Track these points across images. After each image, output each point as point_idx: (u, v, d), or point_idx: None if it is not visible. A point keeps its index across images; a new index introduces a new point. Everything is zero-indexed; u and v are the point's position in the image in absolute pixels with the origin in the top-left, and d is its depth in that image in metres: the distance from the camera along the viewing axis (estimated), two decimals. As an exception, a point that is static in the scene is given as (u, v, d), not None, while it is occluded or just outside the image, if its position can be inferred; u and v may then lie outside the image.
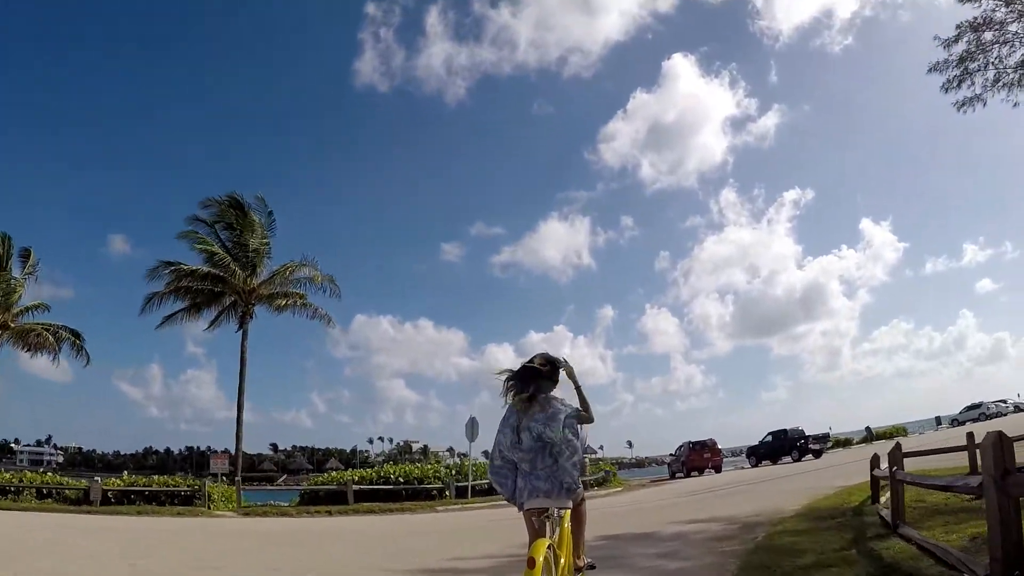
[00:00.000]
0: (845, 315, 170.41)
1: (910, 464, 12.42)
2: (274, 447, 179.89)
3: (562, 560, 5.15)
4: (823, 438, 47.68)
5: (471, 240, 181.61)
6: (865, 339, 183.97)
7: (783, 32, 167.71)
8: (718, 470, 44.95)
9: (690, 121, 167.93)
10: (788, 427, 47.81)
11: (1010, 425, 54.29)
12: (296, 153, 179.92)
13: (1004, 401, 71.49)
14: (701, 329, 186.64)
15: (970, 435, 15.07)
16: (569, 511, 5.61)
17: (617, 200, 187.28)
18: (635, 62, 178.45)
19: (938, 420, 74.15)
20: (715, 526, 12.91)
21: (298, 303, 39.65)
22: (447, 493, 29.73)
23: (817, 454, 45.38)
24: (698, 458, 44.98)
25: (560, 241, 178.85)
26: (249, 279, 38.10)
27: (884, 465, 11.79)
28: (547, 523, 5.41)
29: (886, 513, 10.02)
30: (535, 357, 5.76)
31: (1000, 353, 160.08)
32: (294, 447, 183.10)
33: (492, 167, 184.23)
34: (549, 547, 4.80)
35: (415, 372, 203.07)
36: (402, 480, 30.32)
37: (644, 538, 12.14)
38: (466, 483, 30.06)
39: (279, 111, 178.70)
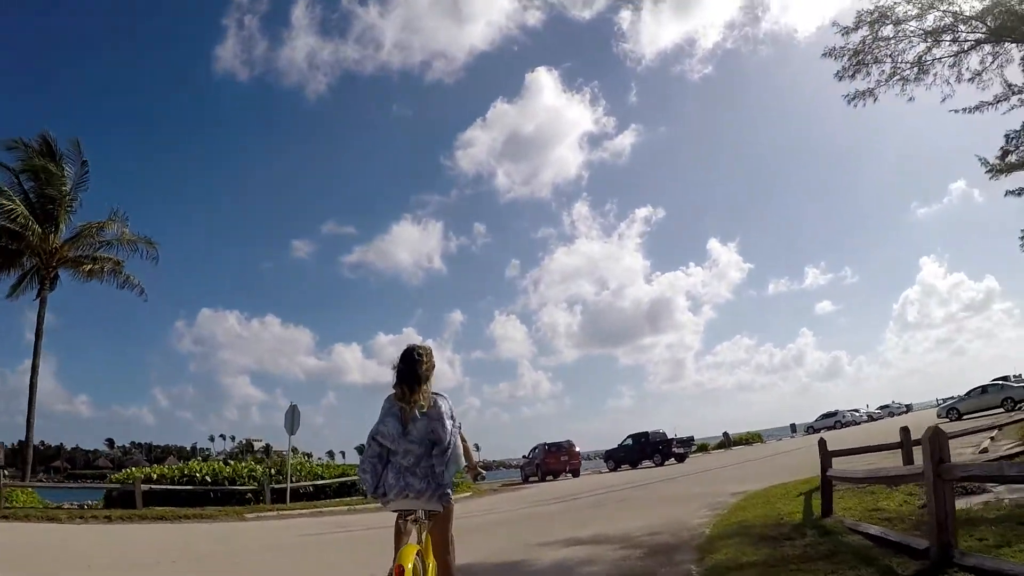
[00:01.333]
0: (690, 329, 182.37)
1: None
2: (110, 443, 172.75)
3: (430, 570, 5.03)
4: (687, 441, 45.84)
5: (322, 238, 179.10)
6: (708, 352, 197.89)
7: (646, 56, 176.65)
8: (576, 474, 42.38)
9: (548, 134, 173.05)
10: (649, 429, 45.81)
11: (863, 431, 54.66)
12: (148, 133, 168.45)
13: (857, 410, 76.66)
14: (549, 337, 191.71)
15: (904, 430, 14.13)
16: (437, 518, 5.14)
17: (471, 207, 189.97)
18: (499, 72, 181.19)
19: (793, 427, 76.38)
20: (609, 551, 9.42)
21: (108, 269, 33.69)
22: (262, 497, 25.06)
23: (681, 458, 43.69)
24: (555, 461, 42.07)
25: (412, 244, 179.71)
26: (52, 238, 31.93)
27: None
28: (415, 528, 5.14)
29: (878, 531, 7.82)
30: (416, 347, 5.40)
31: (837, 370, 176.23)
32: (132, 444, 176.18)
33: (348, 166, 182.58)
34: (418, 554, 4.75)
35: (261, 370, 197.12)
36: (209, 480, 25.80)
37: (509, 573, 8.38)
38: (285, 485, 25.41)
39: (133, 87, 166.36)
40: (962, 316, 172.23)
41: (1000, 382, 45.40)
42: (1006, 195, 23.24)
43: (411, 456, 5.07)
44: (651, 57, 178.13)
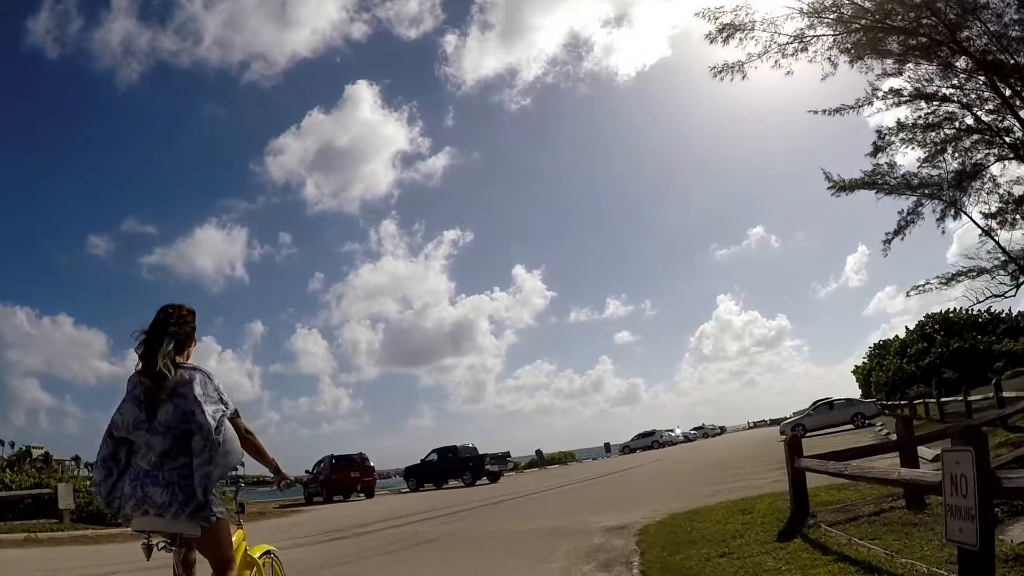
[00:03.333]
0: (492, 352, 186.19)
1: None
2: None
3: None
4: (502, 458, 39.98)
5: (121, 235, 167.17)
6: (509, 376, 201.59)
7: (467, 81, 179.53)
8: (370, 494, 35.73)
9: (362, 148, 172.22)
10: (458, 443, 40.01)
11: (683, 450, 51.82)
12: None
13: (672, 430, 76.83)
14: (350, 353, 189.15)
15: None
16: (202, 545, 4.07)
17: (278, 215, 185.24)
18: (318, 81, 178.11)
19: (607, 447, 73.63)
20: None
21: None
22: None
23: (494, 477, 38.30)
24: (343, 477, 34.85)
25: (215, 249, 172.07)
26: None
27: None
28: (174, 558, 4.00)
29: None
30: (170, 305, 4.29)
31: (634, 396, 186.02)
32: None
33: (153, 161, 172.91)
34: None
35: (51, 372, 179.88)
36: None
37: None
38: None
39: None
40: (754, 351, 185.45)
41: (847, 398, 43.50)
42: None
43: (153, 453, 3.91)
44: (472, 83, 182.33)
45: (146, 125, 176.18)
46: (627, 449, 70.11)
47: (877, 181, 25.68)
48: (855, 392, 64.30)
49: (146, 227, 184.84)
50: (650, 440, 69.47)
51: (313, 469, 38.50)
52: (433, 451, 40.13)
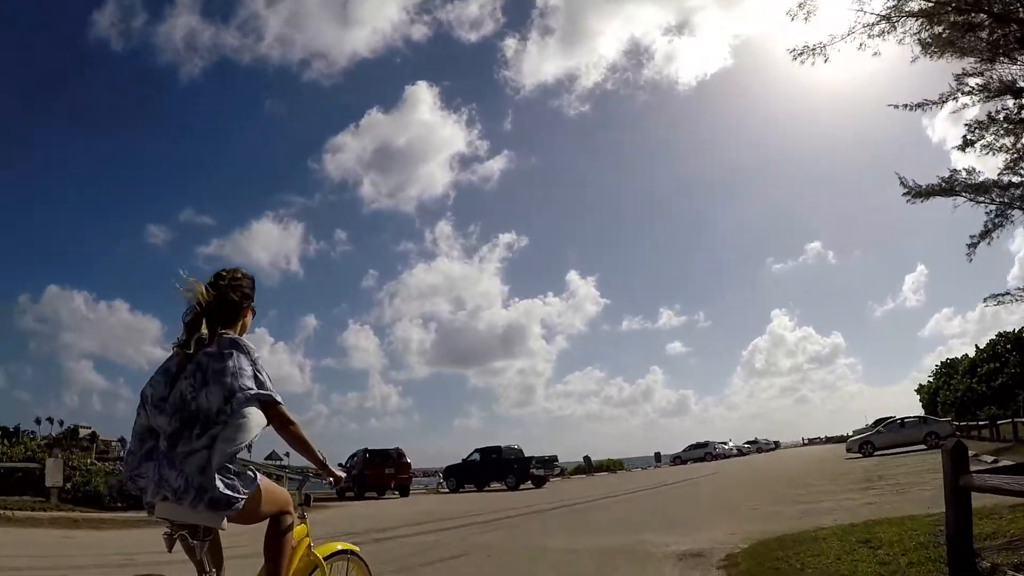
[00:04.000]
0: (543, 356, 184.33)
1: None
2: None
3: None
4: (549, 462, 37.75)
5: (179, 226, 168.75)
6: (559, 381, 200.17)
7: (526, 86, 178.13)
8: (404, 492, 33.73)
9: (420, 149, 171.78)
10: (503, 444, 37.80)
11: (738, 464, 48.98)
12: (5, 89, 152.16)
13: (726, 443, 74.00)
14: (401, 351, 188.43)
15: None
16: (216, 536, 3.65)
17: (334, 212, 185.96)
18: (377, 81, 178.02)
19: (657, 456, 71.12)
20: None
21: None
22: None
23: (539, 482, 36.05)
24: (378, 473, 32.85)
25: (271, 243, 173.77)
26: None
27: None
28: (197, 553, 3.52)
29: None
30: (224, 270, 3.98)
31: (684, 408, 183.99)
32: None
33: (213, 155, 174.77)
34: None
35: (105, 356, 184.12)
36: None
37: None
38: None
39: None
40: (807, 367, 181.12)
41: (919, 416, 40.55)
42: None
43: (166, 435, 3.46)
44: (531, 87, 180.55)
45: (207, 119, 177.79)
46: (678, 460, 67.69)
47: (956, 187, 22.75)
48: (914, 412, 60.75)
49: (203, 218, 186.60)
50: (703, 452, 67.08)
51: (347, 463, 36.68)
52: (476, 451, 38.09)
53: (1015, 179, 22.89)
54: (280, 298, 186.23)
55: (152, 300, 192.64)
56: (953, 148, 22.66)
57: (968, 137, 22.97)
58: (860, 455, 35.99)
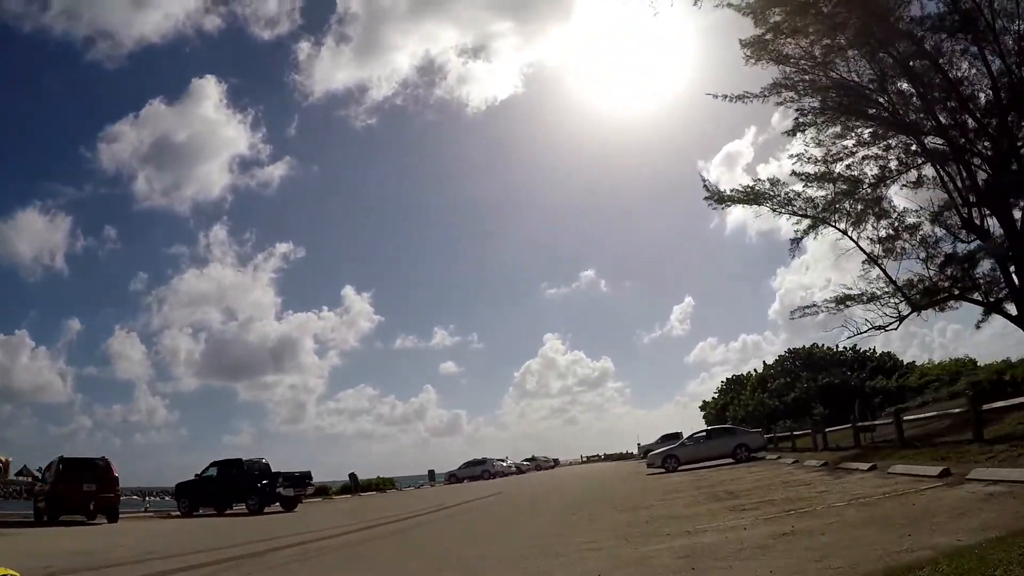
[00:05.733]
0: (314, 372, 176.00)
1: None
2: None
3: None
4: (300, 479, 30.61)
5: None
6: (331, 398, 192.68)
7: (315, 92, 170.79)
8: (112, 515, 24.97)
9: (200, 147, 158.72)
10: (246, 457, 30.54)
11: (520, 482, 44.16)
12: None
13: (504, 460, 70.30)
14: (169, 361, 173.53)
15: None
16: None
17: (104, 207, 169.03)
18: (164, 70, 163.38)
19: (432, 474, 65.35)
20: None
21: None
22: None
23: (289, 503, 29.38)
24: (72, 491, 24.18)
25: (36, 236, 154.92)
26: None
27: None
28: None
29: None
30: None
31: (456, 427, 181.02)
32: None
33: None
34: None
35: None
36: None
37: None
38: None
39: None
40: (577, 390, 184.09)
41: (726, 427, 37.09)
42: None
43: None
44: (319, 94, 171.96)
45: None
46: (454, 478, 62.05)
47: (759, 197, 26.42)
48: (689, 430, 59.26)
49: None
50: (480, 469, 61.90)
51: (39, 474, 27.88)
52: (212, 464, 30.51)
53: (820, 192, 26.06)
54: (42, 298, 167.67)
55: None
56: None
57: (800, 120, 25.92)
58: (663, 470, 31.74)
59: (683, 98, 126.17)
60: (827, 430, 28.93)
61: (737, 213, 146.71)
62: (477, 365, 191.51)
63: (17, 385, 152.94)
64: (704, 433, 35.25)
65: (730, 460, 31.48)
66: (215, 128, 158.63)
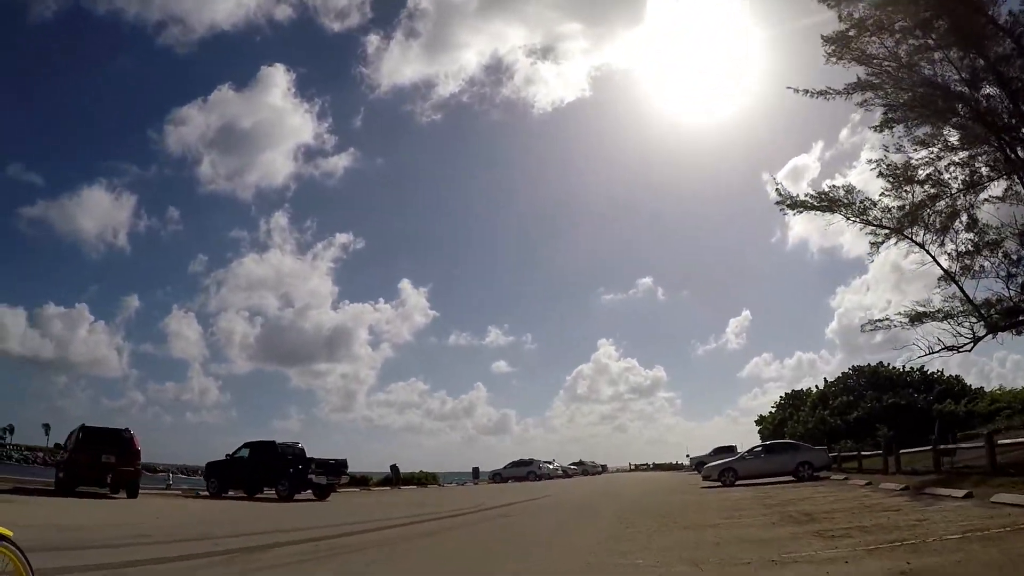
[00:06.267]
0: (367, 363, 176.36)
1: None
2: None
3: None
4: (336, 467, 29.28)
5: (4, 181, 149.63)
6: (382, 389, 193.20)
7: (382, 85, 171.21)
8: (132, 491, 24.03)
9: (266, 134, 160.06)
10: (278, 439, 29.50)
11: (567, 486, 42.36)
12: None
13: (551, 462, 67.51)
14: (223, 343, 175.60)
15: None
16: None
17: (169, 188, 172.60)
18: (233, 56, 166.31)
19: (476, 472, 63.95)
20: None
21: None
22: None
23: (322, 492, 27.89)
24: (91, 461, 23.06)
25: (101, 213, 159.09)
26: None
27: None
28: None
29: None
30: None
31: (504, 427, 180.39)
32: None
33: (51, 107, 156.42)
34: None
35: None
36: None
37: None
38: None
39: None
40: (628, 397, 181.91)
41: (790, 442, 34.95)
42: None
43: None
44: (386, 88, 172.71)
45: (50, 67, 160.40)
46: (498, 477, 60.53)
47: (834, 204, 25.00)
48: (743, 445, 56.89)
49: (32, 176, 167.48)
50: (526, 470, 60.19)
51: (65, 443, 27.01)
52: (245, 444, 29.17)
53: (897, 202, 24.33)
54: (104, 274, 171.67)
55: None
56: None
57: (889, 116, 24.09)
58: (720, 484, 29.84)
59: (750, 109, 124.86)
60: (900, 452, 26.66)
61: (799, 228, 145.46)
62: (529, 366, 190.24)
63: (74, 357, 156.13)
64: (764, 447, 33.25)
65: (790, 478, 29.48)
66: (282, 116, 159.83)
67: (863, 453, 33.34)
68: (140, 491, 24.92)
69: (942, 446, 23.72)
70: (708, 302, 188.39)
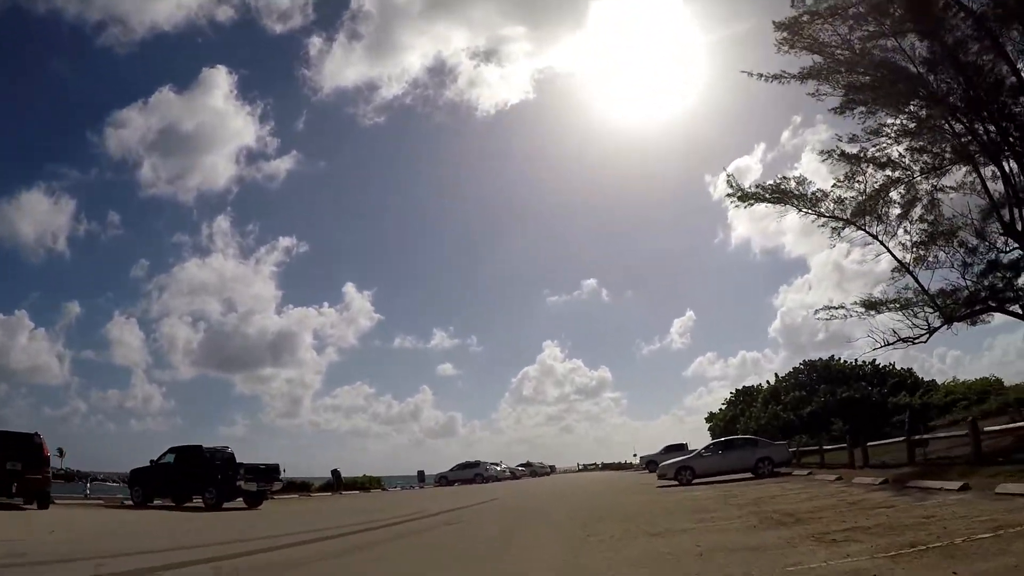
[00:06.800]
0: (312, 367, 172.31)
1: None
2: None
3: None
4: (268, 472, 27.14)
5: None
6: (327, 394, 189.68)
7: (324, 88, 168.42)
8: (43, 500, 21.47)
9: (208, 137, 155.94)
10: (207, 444, 27.15)
11: (515, 488, 40.66)
12: None
13: (498, 464, 66.85)
14: (167, 350, 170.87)
15: None
16: None
17: (109, 192, 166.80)
18: (174, 58, 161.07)
19: (421, 475, 62.42)
20: None
21: None
22: None
23: (253, 499, 25.93)
24: None
25: (40, 218, 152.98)
26: None
27: None
28: None
29: None
30: None
31: (451, 429, 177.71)
32: None
33: None
34: None
35: None
36: None
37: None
38: None
39: None
40: (574, 398, 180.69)
41: (747, 437, 33.47)
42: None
43: None
44: (329, 90, 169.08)
45: None
46: (444, 480, 58.47)
47: (786, 195, 24.61)
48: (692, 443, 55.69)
49: None
50: (473, 473, 58.57)
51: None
52: (170, 449, 26.95)
53: (850, 193, 23.96)
54: (43, 280, 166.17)
55: None
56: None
57: (851, 98, 23.23)
58: (676, 482, 28.30)
59: (692, 110, 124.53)
60: (869, 444, 25.39)
61: (742, 229, 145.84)
62: (475, 368, 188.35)
63: (14, 365, 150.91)
64: (722, 443, 31.84)
65: (749, 475, 28.15)
66: (223, 119, 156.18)
67: (826, 447, 32.13)
68: (57, 501, 22.96)
69: (915, 436, 22.46)
70: (652, 303, 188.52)
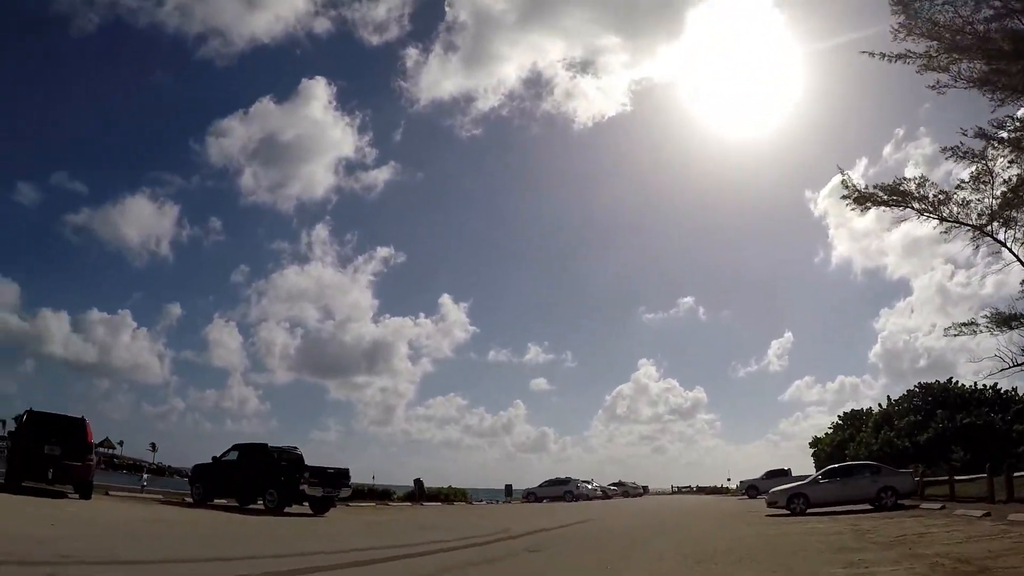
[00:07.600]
0: (406, 377, 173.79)
1: None
2: None
3: None
4: (336, 478, 25.13)
5: (50, 188, 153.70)
6: (420, 404, 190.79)
7: (421, 99, 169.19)
8: (85, 490, 20.50)
9: (306, 147, 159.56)
10: (273, 443, 26.07)
11: (609, 508, 37.95)
12: None
13: (589, 482, 62.87)
14: (264, 353, 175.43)
15: None
16: None
17: (211, 199, 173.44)
18: (273, 69, 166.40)
19: (508, 490, 60.99)
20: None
21: None
22: None
23: (320, 505, 24.36)
24: (32, 454, 19.45)
25: (144, 222, 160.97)
26: None
27: None
28: None
29: None
30: None
31: (542, 445, 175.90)
32: None
33: (94, 117, 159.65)
34: None
35: None
36: None
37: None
38: None
39: None
40: (668, 418, 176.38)
41: (868, 463, 30.02)
42: None
43: None
44: (426, 102, 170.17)
45: (92, 79, 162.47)
46: (532, 496, 56.19)
47: (907, 196, 23.00)
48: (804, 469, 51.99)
49: (76, 184, 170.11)
50: (562, 489, 55.48)
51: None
52: (234, 447, 25.80)
53: (976, 195, 22.12)
54: (146, 281, 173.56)
55: (11, 262, 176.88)
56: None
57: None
58: (788, 512, 25.63)
59: (792, 124, 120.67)
60: (1016, 475, 22.23)
61: (842, 248, 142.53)
62: (569, 384, 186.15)
63: (116, 363, 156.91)
64: (840, 469, 28.57)
65: (867, 506, 25.33)
66: (322, 129, 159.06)
67: (958, 478, 28.63)
68: (111, 492, 22.34)
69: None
70: (750, 323, 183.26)
